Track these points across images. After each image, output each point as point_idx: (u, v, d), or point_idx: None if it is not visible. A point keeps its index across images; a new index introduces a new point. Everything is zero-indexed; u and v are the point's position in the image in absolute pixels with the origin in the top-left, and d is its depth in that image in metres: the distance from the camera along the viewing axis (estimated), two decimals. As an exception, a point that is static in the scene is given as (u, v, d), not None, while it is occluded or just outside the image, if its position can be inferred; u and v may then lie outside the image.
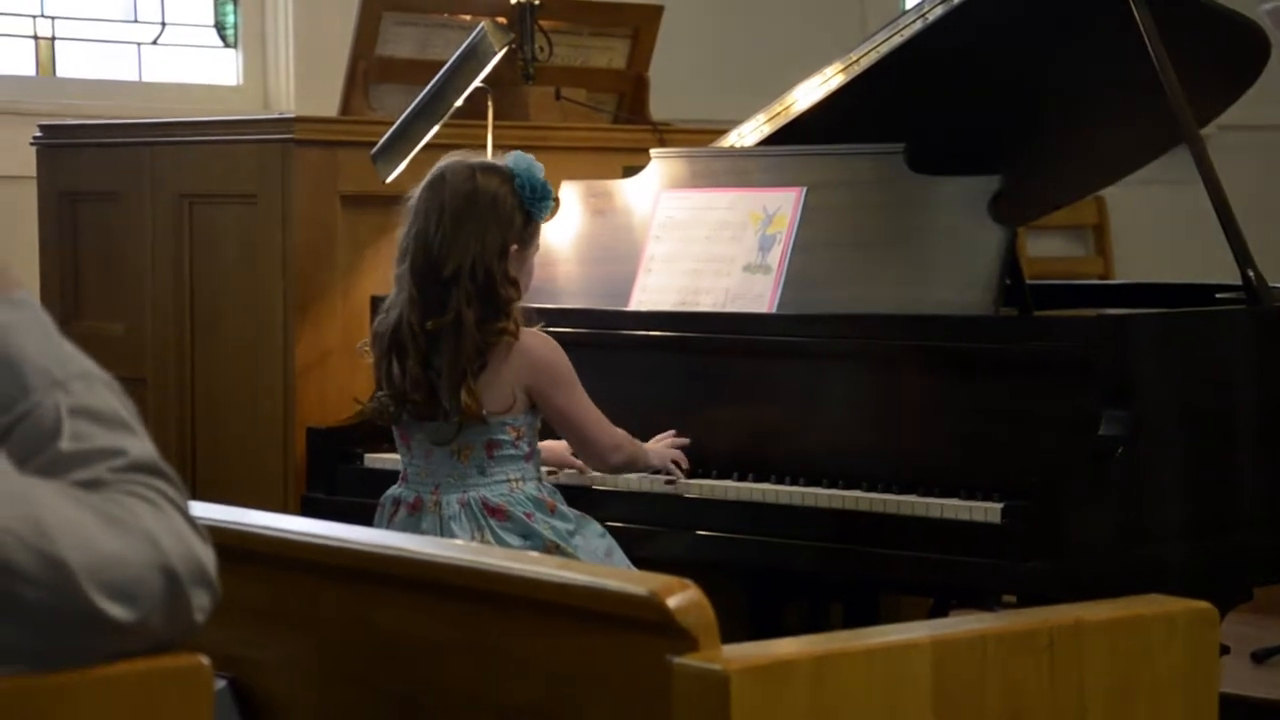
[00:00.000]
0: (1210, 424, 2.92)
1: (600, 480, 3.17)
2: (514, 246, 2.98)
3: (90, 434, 1.37)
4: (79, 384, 1.38)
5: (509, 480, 2.98)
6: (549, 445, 3.13)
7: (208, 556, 1.40)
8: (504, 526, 2.96)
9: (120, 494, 1.36)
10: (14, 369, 1.36)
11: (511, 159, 3.02)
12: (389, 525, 3.03)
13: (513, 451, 2.99)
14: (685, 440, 3.14)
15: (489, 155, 3.34)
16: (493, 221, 2.96)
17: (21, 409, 1.36)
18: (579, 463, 3.17)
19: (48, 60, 5.34)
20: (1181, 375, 2.91)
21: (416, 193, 3.01)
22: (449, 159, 3.04)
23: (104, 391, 1.39)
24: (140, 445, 1.39)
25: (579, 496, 3.13)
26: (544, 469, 3.09)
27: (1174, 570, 2.81)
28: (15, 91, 5.17)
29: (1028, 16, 3.38)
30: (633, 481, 3.14)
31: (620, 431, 3.08)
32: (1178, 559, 2.82)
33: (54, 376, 1.37)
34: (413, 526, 2.99)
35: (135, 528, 1.35)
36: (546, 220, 3.12)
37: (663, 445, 3.14)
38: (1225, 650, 2.09)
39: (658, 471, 3.11)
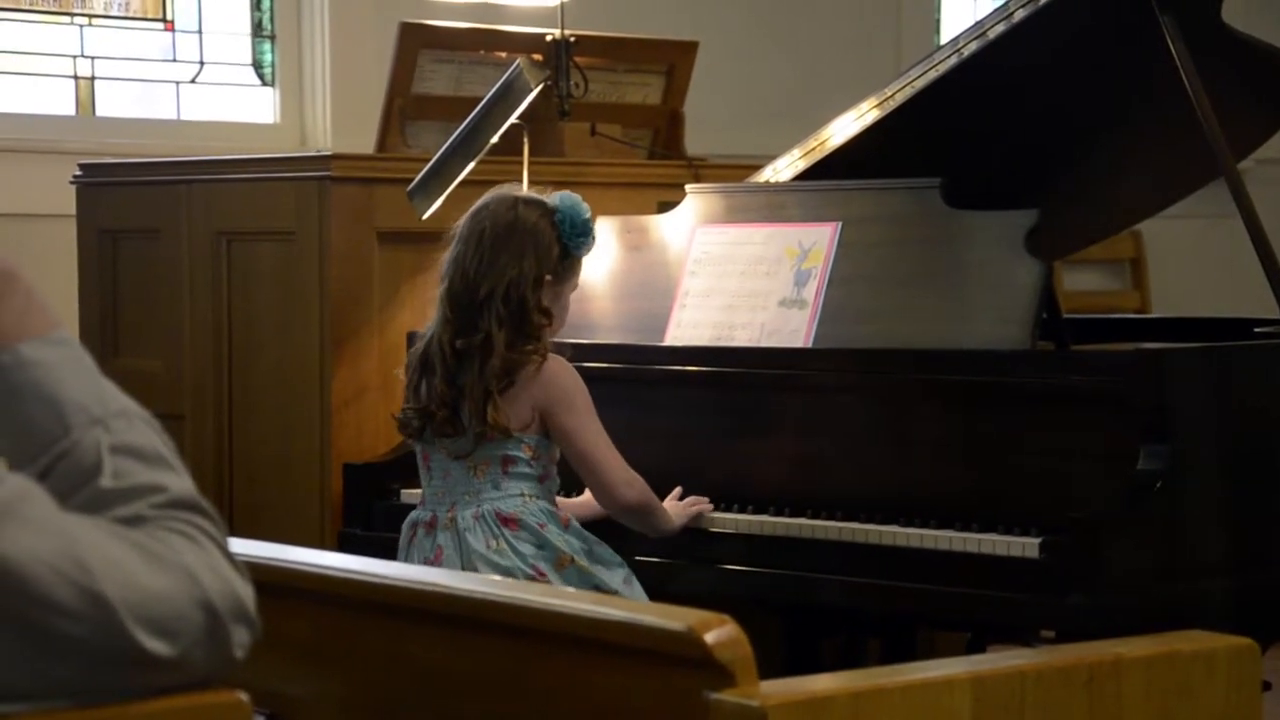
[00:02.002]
0: (1249, 458, 2.90)
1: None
2: (549, 278, 3.02)
3: (131, 471, 1.37)
4: (119, 421, 1.39)
5: (522, 495, 3.01)
6: (569, 503, 3.13)
7: (247, 593, 1.40)
8: (518, 536, 2.98)
9: (161, 530, 1.37)
10: (54, 407, 1.37)
11: (558, 197, 3.06)
12: (408, 548, 3.05)
13: (527, 470, 3.02)
14: (708, 506, 3.13)
15: (525, 188, 3.35)
16: (530, 250, 3.01)
17: (62, 447, 1.36)
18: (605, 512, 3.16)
19: (87, 99, 5.38)
20: (1220, 409, 2.89)
21: (462, 220, 3.07)
22: (496, 190, 3.09)
23: (144, 428, 1.40)
24: (180, 482, 1.40)
25: (614, 531, 3.12)
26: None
27: (1214, 605, 2.79)
28: (55, 130, 5.22)
29: (1063, 51, 3.38)
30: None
31: (636, 474, 3.06)
32: (1218, 594, 2.80)
33: (93, 414, 1.38)
34: (430, 544, 3.03)
35: (175, 564, 1.35)
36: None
37: (678, 505, 3.12)
38: (1267, 686, 2.07)
39: (673, 533, 3.08)
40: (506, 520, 2.98)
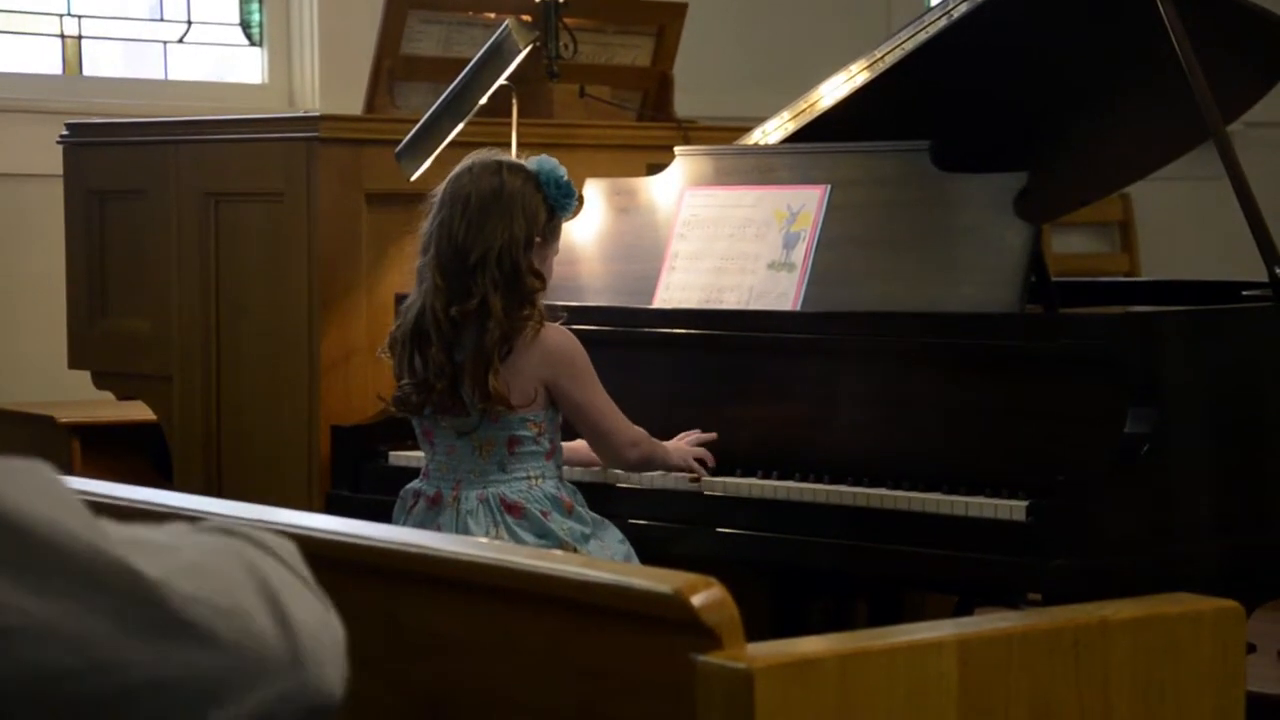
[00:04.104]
0: (1236, 421, 2.91)
1: (624, 479, 3.17)
2: (538, 239, 3.01)
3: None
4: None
5: (529, 477, 2.99)
6: (572, 446, 3.14)
7: (290, 593, 1.37)
8: (520, 524, 2.97)
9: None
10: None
11: (535, 161, 3.05)
12: (408, 516, 3.05)
13: (534, 448, 3.00)
14: (711, 436, 3.14)
15: (514, 153, 3.35)
16: (519, 212, 3.00)
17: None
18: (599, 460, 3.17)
19: (74, 59, 5.35)
20: (1208, 372, 2.90)
21: (441, 187, 3.04)
22: (475, 155, 3.07)
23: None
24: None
25: (602, 494, 3.13)
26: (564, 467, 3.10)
27: (1200, 568, 2.80)
28: (42, 90, 5.19)
29: (1053, 13, 3.37)
30: (656, 479, 3.13)
31: (639, 429, 3.08)
32: (1204, 557, 2.81)
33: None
34: (431, 520, 3.01)
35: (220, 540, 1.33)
36: (569, 219, 3.14)
37: (685, 443, 3.13)
38: (1252, 648, 2.08)
39: (679, 470, 3.11)
40: (511, 507, 2.98)
